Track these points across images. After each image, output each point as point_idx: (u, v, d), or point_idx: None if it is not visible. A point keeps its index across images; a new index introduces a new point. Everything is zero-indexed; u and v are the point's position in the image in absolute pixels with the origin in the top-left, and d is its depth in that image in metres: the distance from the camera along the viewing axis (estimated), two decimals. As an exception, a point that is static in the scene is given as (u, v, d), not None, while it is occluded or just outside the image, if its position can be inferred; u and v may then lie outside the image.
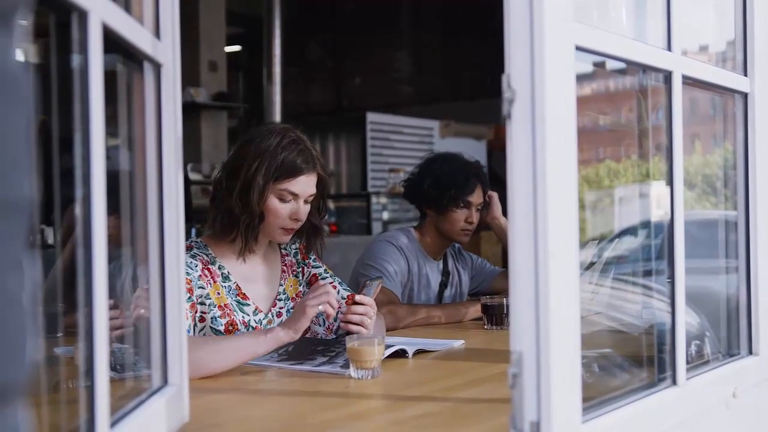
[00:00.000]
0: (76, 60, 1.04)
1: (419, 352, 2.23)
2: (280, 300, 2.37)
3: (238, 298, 2.27)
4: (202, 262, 2.22)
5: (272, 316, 2.33)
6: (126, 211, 1.37)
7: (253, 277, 2.33)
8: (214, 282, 2.23)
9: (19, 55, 0.62)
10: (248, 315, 2.26)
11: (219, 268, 2.26)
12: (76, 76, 1.04)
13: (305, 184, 2.26)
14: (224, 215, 2.25)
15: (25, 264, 0.61)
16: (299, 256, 2.47)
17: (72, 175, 1.05)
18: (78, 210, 1.04)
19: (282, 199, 2.24)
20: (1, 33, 0.58)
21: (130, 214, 1.39)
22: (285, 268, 2.42)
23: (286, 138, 2.24)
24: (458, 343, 2.41)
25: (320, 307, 2.02)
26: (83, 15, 1.01)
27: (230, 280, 2.27)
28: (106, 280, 1.04)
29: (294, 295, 2.41)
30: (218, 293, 2.22)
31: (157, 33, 1.38)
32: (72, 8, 1.00)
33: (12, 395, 0.59)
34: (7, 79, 0.59)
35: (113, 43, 1.14)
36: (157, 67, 1.38)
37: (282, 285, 2.39)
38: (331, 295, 2.05)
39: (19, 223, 0.60)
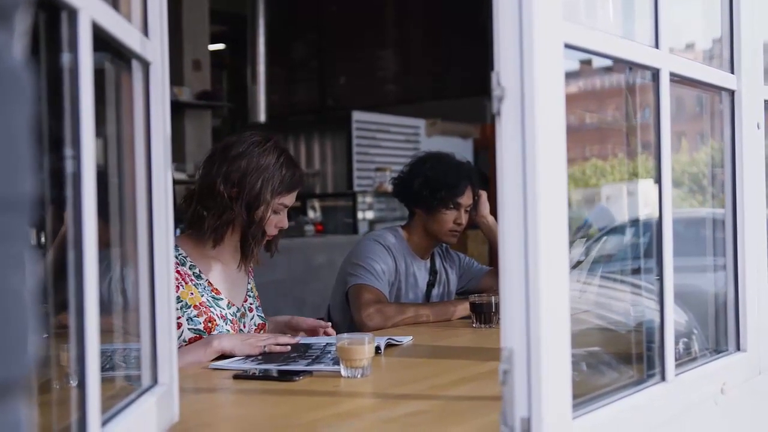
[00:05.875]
0: (65, 58, 1.03)
1: (390, 346, 2.29)
2: (249, 296, 2.50)
3: (212, 293, 2.36)
4: None
5: (245, 310, 2.46)
6: (114, 211, 1.37)
7: (224, 275, 2.42)
8: (186, 283, 2.30)
9: (19, 53, 0.61)
10: (224, 309, 2.36)
11: (190, 268, 2.34)
12: (65, 74, 1.03)
13: (295, 197, 2.43)
14: (225, 225, 2.33)
15: (27, 261, 0.61)
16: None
17: (58, 175, 1.04)
18: (67, 210, 1.04)
19: (275, 212, 2.37)
20: (2, 31, 0.58)
21: (119, 214, 1.38)
22: (250, 269, 2.55)
23: (283, 155, 2.37)
24: (407, 339, 2.43)
25: (266, 348, 2.18)
26: (73, 13, 1.01)
27: (202, 279, 2.35)
28: (96, 279, 1.04)
29: (256, 295, 2.56)
30: (191, 293, 2.30)
31: (145, 31, 1.37)
32: (62, 6, 0.99)
33: (14, 391, 0.59)
34: (9, 76, 0.59)
35: (101, 41, 1.13)
36: (145, 65, 1.37)
37: (250, 283, 2.53)
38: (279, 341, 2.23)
39: (21, 220, 0.60)
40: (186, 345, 2.21)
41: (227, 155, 2.33)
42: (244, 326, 2.42)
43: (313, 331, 2.48)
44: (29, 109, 0.61)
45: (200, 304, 2.30)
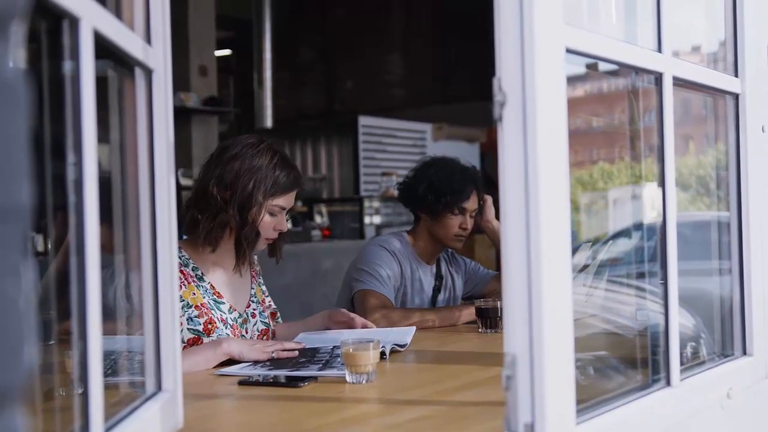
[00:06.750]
0: (67, 66, 1.03)
1: (394, 352, 2.29)
2: (253, 302, 2.50)
3: (214, 297, 2.36)
4: None
5: (247, 316, 2.45)
6: (118, 218, 1.37)
7: (227, 280, 2.43)
8: (189, 283, 2.32)
9: (16, 62, 0.62)
10: (224, 313, 2.36)
11: (193, 270, 2.36)
12: (67, 82, 1.04)
13: (293, 199, 2.43)
14: (219, 228, 2.33)
15: (23, 270, 0.62)
16: (258, 268, 2.62)
17: (63, 182, 1.05)
18: (70, 217, 1.04)
19: (271, 214, 2.37)
20: (-1, 40, 0.59)
21: (122, 221, 1.38)
22: (253, 273, 2.55)
23: (277, 156, 2.37)
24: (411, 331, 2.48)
25: (273, 354, 2.17)
26: (74, 21, 1.01)
27: (205, 281, 2.36)
28: (99, 286, 1.04)
29: (260, 300, 2.54)
30: (193, 294, 2.32)
31: (148, 38, 1.38)
32: (63, 14, 0.99)
33: (10, 400, 0.60)
34: (5, 86, 0.59)
35: (104, 48, 1.14)
36: (148, 72, 1.37)
37: (253, 289, 2.53)
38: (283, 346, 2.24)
39: (18, 229, 0.61)
40: (186, 346, 2.22)
41: (222, 158, 2.35)
42: (246, 332, 2.42)
43: (348, 324, 2.52)
44: (26, 119, 0.61)
45: (201, 305, 2.30)
